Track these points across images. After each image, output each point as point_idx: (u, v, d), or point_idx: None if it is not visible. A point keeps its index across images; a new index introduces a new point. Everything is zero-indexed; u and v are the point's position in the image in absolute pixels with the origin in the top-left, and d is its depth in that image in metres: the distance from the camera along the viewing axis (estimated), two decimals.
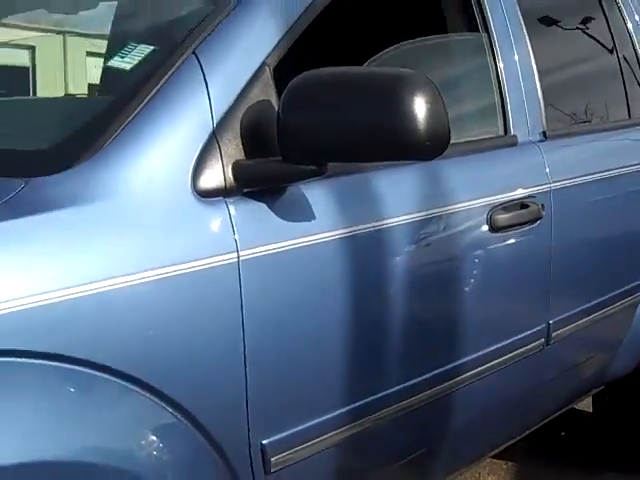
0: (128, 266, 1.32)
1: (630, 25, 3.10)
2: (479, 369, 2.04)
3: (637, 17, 3.17)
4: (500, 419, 2.31)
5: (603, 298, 2.63)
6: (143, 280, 1.33)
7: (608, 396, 3.10)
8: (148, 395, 1.34)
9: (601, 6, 2.98)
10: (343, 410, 1.67)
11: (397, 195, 1.79)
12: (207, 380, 1.43)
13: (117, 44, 1.68)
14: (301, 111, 1.47)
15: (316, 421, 1.62)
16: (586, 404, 3.49)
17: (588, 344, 2.65)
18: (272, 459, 1.55)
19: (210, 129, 1.49)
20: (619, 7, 3.07)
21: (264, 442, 1.53)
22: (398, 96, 1.44)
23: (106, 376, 1.29)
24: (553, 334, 2.34)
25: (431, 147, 1.47)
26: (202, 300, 1.41)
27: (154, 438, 1.36)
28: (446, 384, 1.93)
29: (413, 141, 1.45)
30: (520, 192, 2.16)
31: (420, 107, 1.43)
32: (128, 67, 1.57)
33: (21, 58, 2.44)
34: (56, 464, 1.21)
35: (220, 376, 1.45)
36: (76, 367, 1.26)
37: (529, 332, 2.24)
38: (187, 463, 1.42)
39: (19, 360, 1.20)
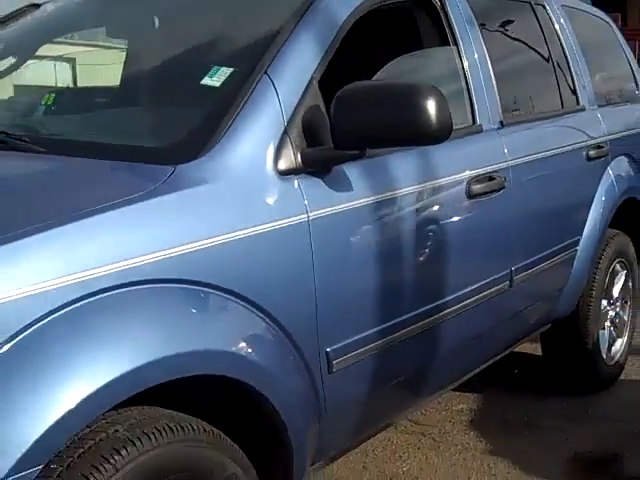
0: (242, 223, 1.93)
1: (557, 27, 3.78)
2: (464, 302, 2.70)
3: (562, 20, 3.85)
4: (476, 345, 2.98)
5: (549, 251, 3.32)
6: (251, 232, 1.94)
7: (555, 332, 3.78)
8: (255, 311, 1.94)
9: (535, 16, 3.65)
10: (379, 328, 2.31)
11: (405, 171, 2.43)
12: (292, 301, 2.04)
13: (201, 66, 2.26)
14: (347, 112, 2.10)
15: (361, 336, 2.26)
16: (535, 348, 4.22)
17: (540, 288, 3.33)
18: (334, 362, 2.17)
19: (282, 127, 2.10)
20: (548, 14, 3.75)
21: (328, 350, 2.16)
22: (416, 100, 2.08)
23: (229, 296, 1.89)
24: (515, 278, 3.01)
25: (440, 135, 2.12)
26: (287, 244, 2.03)
27: (255, 332, 1.96)
28: (444, 312, 2.58)
29: (428, 131, 2.09)
30: (488, 168, 2.82)
31: (432, 108, 2.08)
32: (218, 84, 2.16)
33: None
34: (202, 351, 1.81)
35: (300, 299, 2.07)
36: (212, 290, 1.86)
37: (498, 275, 2.91)
38: (279, 359, 2.02)
39: (178, 286, 1.79)
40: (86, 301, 1.62)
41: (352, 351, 2.23)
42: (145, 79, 2.54)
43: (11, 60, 2.91)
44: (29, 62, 2.94)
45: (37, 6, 3.14)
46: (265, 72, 2.14)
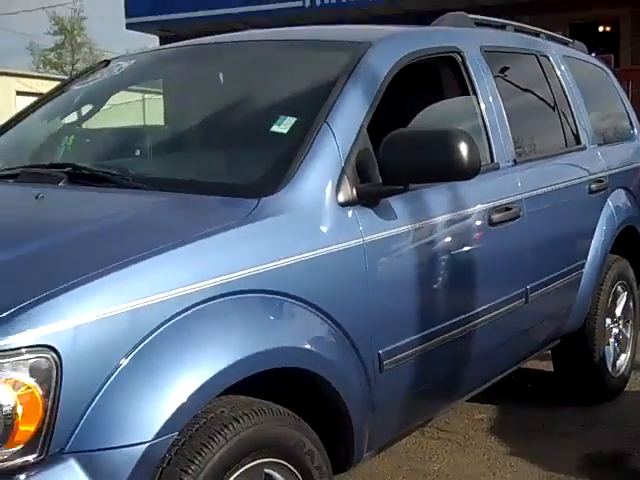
0: (310, 245, 2.37)
1: (560, 75, 4.25)
2: (488, 315, 3.13)
3: (564, 68, 4.32)
4: (499, 353, 3.41)
5: (559, 272, 3.75)
6: (318, 253, 2.38)
7: (563, 348, 4.20)
8: (322, 316, 2.37)
9: (540, 65, 4.12)
10: (419, 335, 2.74)
11: (439, 203, 2.88)
12: (351, 309, 2.47)
13: (269, 116, 2.72)
14: (393, 154, 2.56)
15: (405, 341, 2.69)
16: (546, 365, 4.64)
17: (551, 305, 3.76)
18: (384, 362, 2.60)
19: (340, 167, 2.55)
20: (551, 64, 4.22)
21: (380, 352, 2.58)
22: (450, 144, 2.54)
23: (296, 303, 2.31)
24: (530, 295, 3.45)
25: (471, 172, 2.57)
26: (346, 263, 2.46)
27: (323, 331, 2.38)
28: (473, 322, 3.02)
29: (461, 170, 2.55)
30: (505, 200, 3.27)
31: (464, 150, 2.53)
32: (285, 131, 2.62)
33: None
34: (282, 348, 2.23)
35: (357, 307, 2.50)
36: (286, 298, 2.28)
37: (516, 293, 3.35)
38: (337, 357, 2.44)
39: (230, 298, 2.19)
40: (198, 308, 2.05)
41: (399, 354, 2.65)
42: (222, 126, 2.98)
43: (89, 107, 3.37)
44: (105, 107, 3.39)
45: (107, 62, 3.60)
46: (325, 121, 2.60)
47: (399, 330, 2.68)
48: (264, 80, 3.10)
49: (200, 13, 15.68)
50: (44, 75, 40.94)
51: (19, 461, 1.74)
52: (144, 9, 16.22)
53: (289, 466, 2.24)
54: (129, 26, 16.55)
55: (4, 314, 1.75)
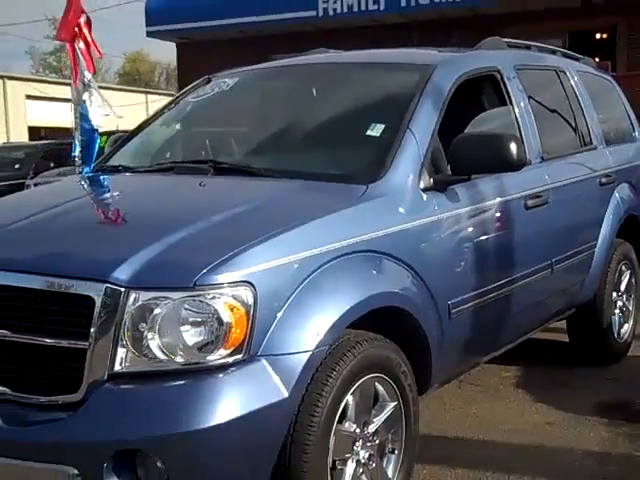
0: (403, 219, 3.19)
1: (574, 86, 5.07)
2: (525, 280, 3.95)
3: (577, 80, 5.14)
4: (532, 311, 4.24)
5: (576, 250, 4.58)
6: (408, 225, 3.20)
7: (577, 316, 5.02)
8: (410, 271, 3.18)
9: (559, 79, 4.95)
10: (479, 291, 3.56)
11: (490, 189, 3.70)
12: (430, 266, 3.27)
13: (363, 123, 3.54)
14: (460, 152, 3.38)
15: (468, 295, 3.50)
16: (560, 337, 5.46)
17: (569, 276, 4.59)
18: (453, 310, 3.42)
19: (421, 162, 3.37)
20: (568, 77, 5.05)
21: (449, 302, 3.40)
22: (504, 144, 3.36)
23: (386, 258, 3.11)
24: (555, 267, 4.27)
25: (519, 165, 3.41)
26: (426, 232, 3.27)
27: (409, 285, 3.19)
28: (514, 285, 3.84)
29: (511, 164, 3.38)
30: (536, 189, 4.10)
31: (513, 148, 3.36)
32: (377, 135, 3.45)
33: None
34: (375, 296, 3.02)
35: (435, 264, 3.30)
36: (367, 254, 3.06)
37: (544, 264, 4.17)
38: (424, 305, 3.26)
39: (351, 255, 2.99)
40: (333, 262, 2.86)
41: (462, 305, 3.47)
42: (326, 130, 3.78)
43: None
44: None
45: (209, 80, 4.42)
46: (408, 127, 3.43)
47: (463, 287, 3.49)
48: (354, 94, 3.92)
49: (216, 22, 16.46)
50: (55, 80, 41.59)
51: (230, 359, 2.55)
52: (163, 19, 17.01)
53: (390, 381, 3.05)
54: (149, 34, 17.34)
55: (221, 261, 2.56)
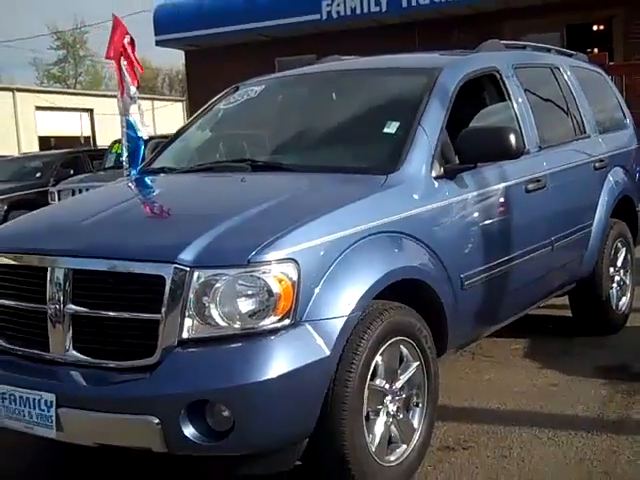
0: (418, 203, 3.68)
1: (568, 80, 5.55)
2: (529, 255, 4.44)
3: (571, 74, 5.63)
4: (536, 285, 4.73)
5: (574, 228, 5.06)
6: (423, 208, 3.69)
7: (578, 290, 5.50)
8: (426, 248, 3.67)
9: (554, 74, 5.44)
10: (488, 265, 4.05)
11: (494, 176, 4.19)
12: (444, 244, 3.76)
13: (380, 122, 4.04)
14: (467, 143, 3.88)
15: (478, 269, 3.99)
16: (563, 312, 5.95)
17: (569, 252, 5.07)
18: (465, 283, 3.91)
19: (432, 154, 3.86)
20: (562, 73, 5.53)
21: (461, 275, 3.89)
22: (505, 135, 3.86)
23: (406, 237, 3.60)
24: (555, 244, 4.76)
25: (518, 154, 3.91)
26: (440, 214, 3.77)
27: (426, 260, 3.68)
28: (519, 260, 4.33)
29: (512, 153, 3.88)
30: (536, 174, 4.58)
31: (513, 139, 3.86)
32: (393, 132, 3.94)
33: None
34: (406, 266, 3.52)
35: (448, 243, 3.79)
36: (390, 234, 3.56)
37: (545, 242, 4.66)
38: (440, 278, 3.74)
39: (377, 235, 3.49)
40: (361, 241, 3.35)
41: (473, 277, 3.96)
42: (348, 129, 4.28)
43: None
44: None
45: (237, 88, 4.93)
46: (419, 124, 3.92)
47: (473, 262, 3.98)
48: (370, 97, 4.43)
49: (225, 28, 16.99)
50: (63, 90, 42.23)
51: (279, 325, 3.04)
52: (171, 27, 17.56)
53: (413, 344, 3.54)
54: (158, 43, 17.89)
55: (269, 242, 3.06)
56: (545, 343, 5.59)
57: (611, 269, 5.67)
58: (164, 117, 41.64)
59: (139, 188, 4.36)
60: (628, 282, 5.94)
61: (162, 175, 4.40)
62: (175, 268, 3.03)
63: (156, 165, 4.60)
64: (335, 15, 16.26)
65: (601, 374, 4.88)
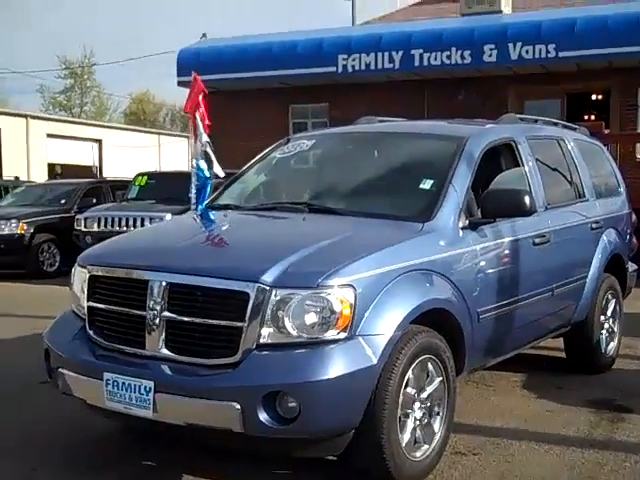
0: (448, 249, 4.49)
1: (571, 151, 6.40)
2: (533, 298, 5.24)
3: (574, 146, 6.48)
4: (538, 324, 5.52)
5: (572, 279, 5.87)
6: (452, 253, 4.50)
7: (572, 334, 6.29)
8: (452, 285, 4.45)
9: (559, 145, 6.29)
10: (500, 304, 4.84)
11: (509, 230, 5.00)
12: (466, 284, 4.55)
13: (418, 179, 4.86)
14: (489, 202, 4.70)
15: (493, 306, 4.79)
16: (557, 353, 6.73)
17: (566, 299, 5.87)
18: (480, 316, 4.70)
19: (460, 208, 4.67)
20: (566, 144, 6.38)
21: (478, 310, 4.68)
22: (521, 197, 4.69)
23: (436, 275, 4.39)
24: (555, 291, 5.56)
25: (531, 212, 4.74)
26: (465, 259, 4.58)
27: (451, 295, 4.47)
28: (524, 302, 5.12)
29: (525, 211, 4.71)
30: (542, 230, 5.40)
31: (527, 200, 4.69)
32: (428, 188, 4.75)
33: None
34: (435, 298, 4.32)
35: (469, 283, 4.59)
36: (424, 271, 4.35)
37: (547, 288, 5.46)
38: (461, 310, 4.53)
39: (414, 272, 4.29)
40: (402, 276, 4.14)
41: (487, 313, 4.75)
42: (391, 183, 5.11)
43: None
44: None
45: (289, 140, 5.76)
46: (450, 182, 4.74)
47: (488, 299, 4.77)
48: (407, 156, 5.27)
49: (244, 74, 17.90)
50: (75, 120, 43.15)
51: (338, 337, 3.81)
52: (191, 70, 18.45)
53: (438, 362, 4.31)
54: (180, 84, 18.77)
55: (334, 271, 3.84)
56: (541, 378, 6.36)
57: (602, 317, 6.47)
58: (169, 152, 42.62)
59: (215, 220, 5.15)
60: (616, 330, 6.74)
61: (229, 211, 5.19)
62: (258, 287, 3.81)
63: (221, 202, 5.41)
64: (350, 69, 17.19)
65: (589, 405, 5.64)
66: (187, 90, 20.96)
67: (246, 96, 18.71)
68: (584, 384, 6.21)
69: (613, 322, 6.70)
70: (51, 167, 34.41)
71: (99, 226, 13.08)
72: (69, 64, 58.61)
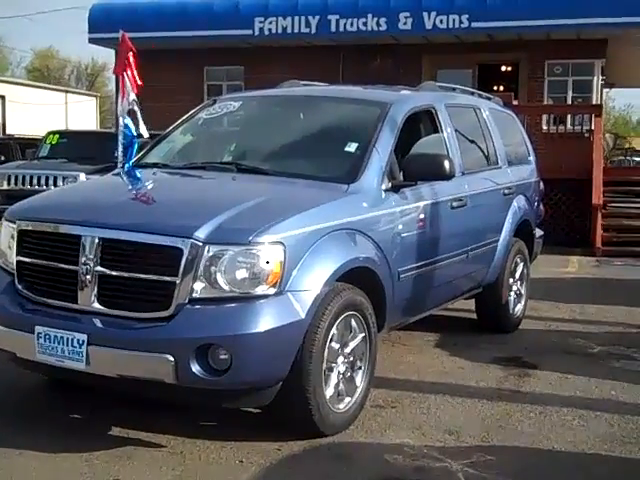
0: (370, 210, 4.67)
1: (486, 119, 6.66)
2: (450, 260, 5.49)
3: (488, 114, 6.74)
4: (454, 284, 5.79)
5: (485, 242, 6.16)
6: (373, 214, 4.68)
7: (483, 295, 6.59)
8: (373, 244, 4.63)
9: (475, 114, 6.54)
10: (417, 264, 5.06)
11: (428, 193, 5.21)
12: (387, 243, 4.74)
13: (343, 142, 5.00)
14: (410, 165, 4.90)
15: (409, 266, 5.00)
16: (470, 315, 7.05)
17: (479, 261, 6.15)
18: (401, 275, 4.91)
19: (382, 171, 4.85)
20: (482, 112, 6.63)
21: (399, 269, 4.89)
22: (441, 161, 4.90)
23: (360, 235, 4.57)
24: (470, 253, 5.83)
25: (450, 176, 4.96)
26: (386, 220, 4.77)
27: (374, 254, 4.65)
28: (441, 262, 5.36)
29: (445, 175, 4.93)
30: (459, 194, 5.64)
31: (447, 164, 4.90)
32: (352, 150, 4.90)
33: None
34: (358, 257, 4.49)
35: (390, 242, 4.78)
36: (349, 231, 4.52)
37: (462, 250, 5.72)
38: (383, 269, 4.72)
39: (340, 231, 4.46)
40: (329, 235, 4.30)
41: (407, 272, 4.96)
42: (316, 146, 5.24)
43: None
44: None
45: (215, 101, 5.82)
46: (374, 146, 4.91)
47: (407, 259, 4.98)
48: (332, 120, 5.41)
49: (158, 33, 17.63)
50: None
51: (268, 292, 3.95)
52: (105, 27, 18.02)
53: (361, 318, 4.49)
54: (91, 40, 18.41)
55: (264, 228, 3.96)
56: (453, 337, 6.65)
57: (511, 280, 6.80)
58: (77, 111, 41.62)
59: (145, 178, 5.18)
60: (523, 292, 7.09)
61: (158, 170, 5.24)
62: (191, 242, 3.90)
63: (148, 160, 5.44)
64: (267, 32, 17.17)
65: (498, 362, 5.96)
66: (97, 47, 20.63)
67: (166, 57, 18.44)
68: (493, 343, 6.53)
69: (521, 285, 7.04)
70: None
71: (9, 184, 12.79)
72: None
